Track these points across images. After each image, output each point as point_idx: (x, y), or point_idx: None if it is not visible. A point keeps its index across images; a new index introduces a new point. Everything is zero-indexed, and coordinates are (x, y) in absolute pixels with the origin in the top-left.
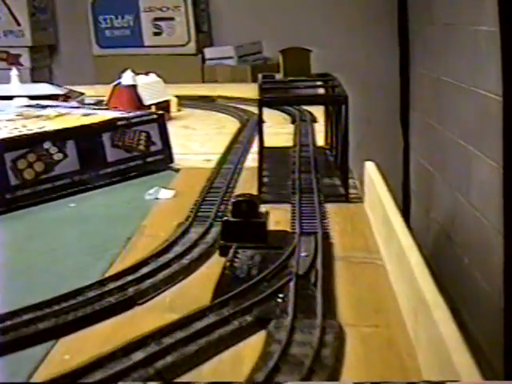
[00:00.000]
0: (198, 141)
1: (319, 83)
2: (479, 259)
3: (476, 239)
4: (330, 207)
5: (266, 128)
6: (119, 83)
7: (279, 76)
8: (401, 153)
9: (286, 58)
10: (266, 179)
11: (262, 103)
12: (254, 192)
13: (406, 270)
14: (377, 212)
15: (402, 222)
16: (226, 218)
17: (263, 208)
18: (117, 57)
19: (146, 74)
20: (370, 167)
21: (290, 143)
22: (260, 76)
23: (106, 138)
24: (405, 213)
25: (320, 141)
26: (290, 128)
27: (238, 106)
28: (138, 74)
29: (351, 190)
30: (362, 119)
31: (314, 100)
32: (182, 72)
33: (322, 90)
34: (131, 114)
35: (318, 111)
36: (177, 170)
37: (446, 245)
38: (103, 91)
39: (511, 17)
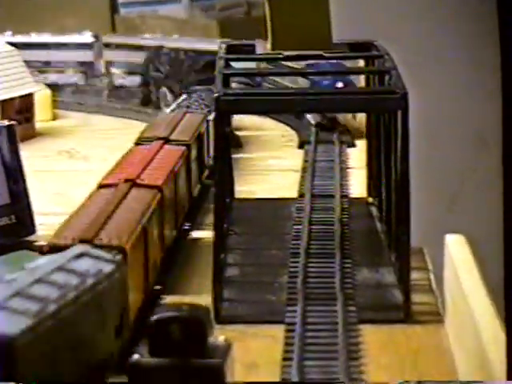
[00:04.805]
0: (94, 184)
1: (350, 65)
2: None
3: None
4: (370, 332)
5: (241, 158)
6: None
7: (264, 46)
8: None
9: (279, 8)
10: (231, 270)
11: (219, 108)
12: (205, 299)
13: None
14: (468, 345)
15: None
16: (135, 357)
17: (220, 334)
18: None
19: None
20: (454, 247)
21: (291, 191)
22: (222, 47)
23: None
24: None
25: (359, 186)
26: (296, 158)
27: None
28: None
29: (419, 296)
30: (466, 138)
31: (333, 103)
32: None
33: (356, 80)
34: None
35: (359, 122)
36: (41, 250)
37: None
38: None
39: None
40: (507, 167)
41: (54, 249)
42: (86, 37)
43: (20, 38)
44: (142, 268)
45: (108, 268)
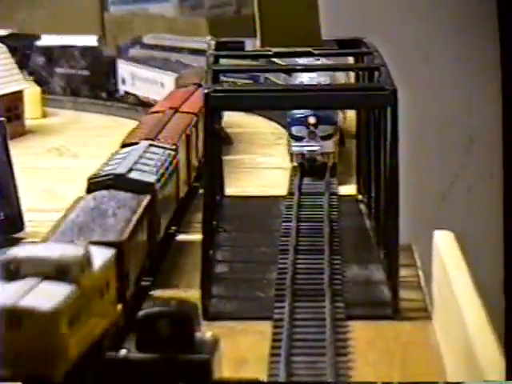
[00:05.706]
0: (84, 180)
1: (340, 62)
2: None
3: None
4: (358, 328)
5: (231, 155)
6: None
7: (254, 43)
8: None
9: (268, 5)
10: (221, 266)
11: (209, 104)
12: (193, 296)
13: None
14: (456, 340)
15: (499, 360)
16: (123, 352)
17: (207, 331)
18: None
19: None
20: (443, 243)
21: (281, 189)
22: (212, 44)
23: None
24: None
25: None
26: (286, 156)
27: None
28: None
29: (407, 293)
30: (457, 138)
31: (322, 99)
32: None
33: (344, 77)
34: None
35: (352, 120)
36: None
37: None
38: None
39: None
40: (507, 167)
41: (126, 145)
42: None
43: None
44: (186, 166)
45: (172, 152)
